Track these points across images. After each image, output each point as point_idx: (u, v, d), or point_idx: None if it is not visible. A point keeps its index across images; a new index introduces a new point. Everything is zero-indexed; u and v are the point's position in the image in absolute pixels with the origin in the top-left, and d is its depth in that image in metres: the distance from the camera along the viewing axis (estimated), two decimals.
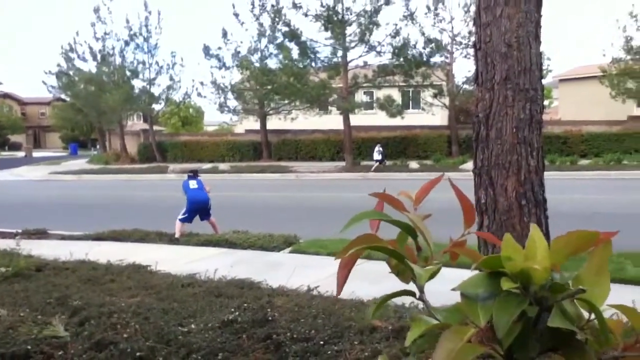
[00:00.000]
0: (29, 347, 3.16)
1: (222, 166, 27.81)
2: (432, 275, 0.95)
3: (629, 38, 27.05)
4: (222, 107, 30.97)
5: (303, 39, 24.92)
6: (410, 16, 25.23)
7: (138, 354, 3.06)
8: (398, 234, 1.10)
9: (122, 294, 4.74)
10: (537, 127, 4.00)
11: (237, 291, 4.84)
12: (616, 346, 0.89)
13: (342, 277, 1.08)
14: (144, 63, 33.06)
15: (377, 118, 29.17)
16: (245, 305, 3.97)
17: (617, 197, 14.15)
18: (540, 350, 0.90)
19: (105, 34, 32.73)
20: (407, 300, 4.07)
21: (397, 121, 27.02)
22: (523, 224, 3.82)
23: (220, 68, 29.59)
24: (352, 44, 25.04)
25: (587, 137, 27.55)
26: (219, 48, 29.28)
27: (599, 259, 0.89)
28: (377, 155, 24.61)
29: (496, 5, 4.03)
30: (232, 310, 3.82)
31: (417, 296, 0.99)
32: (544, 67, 47.16)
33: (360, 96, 32.46)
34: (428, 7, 27.21)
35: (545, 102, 52.04)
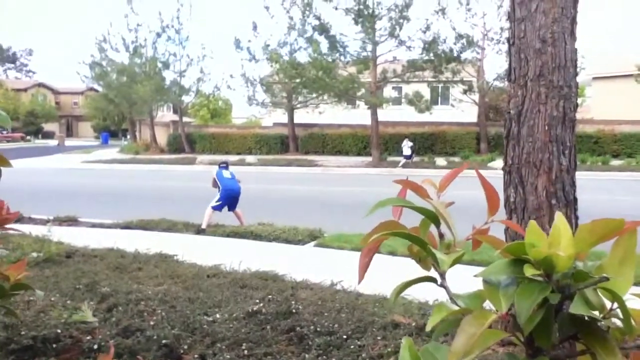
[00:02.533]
0: (59, 330, 3.23)
1: (249, 159, 27.99)
2: (455, 262, 0.96)
3: None
4: (250, 100, 31.17)
5: (332, 32, 24.87)
6: (442, 11, 24.95)
7: (164, 341, 3.11)
8: (421, 221, 1.10)
9: (149, 282, 4.82)
10: (570, 125, 3.92)
11: (261, 283, 4.87)
12: (639, 336, 0.89)
13: (364, 264, 1.08)
14: (175, 55, 33.50)
15: (405, 113, 28.99)
16: (270, 297, 4.00)
17: None
18: (561, 337, 0.90)
19: (138, 25, 33.22)
20: (430, 297, 4.04)
21: (425, 117, 26.82)
22: (552, 223, 3.75)
23: (250, 61, 29.76)
24: (382, 39, 24.89)
25: (620, 137, 26.93)
26: (249, 41, 29.56)
27: (624, 248, 0.88)
28: (406, 150, 24.43)
29: (531, 1, 3.96)
30: (257, 301, 3.85)
31: (439, 283, 1.00)
32: (578, 65, 46.31)
33: (388, 91, 32.29)
34: (460, 2, 26.87)
35: (579, 100, 50.98)
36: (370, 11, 23.89)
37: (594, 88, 40.85)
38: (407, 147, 24.47)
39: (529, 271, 0.85)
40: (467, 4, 26.86)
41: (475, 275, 0.93)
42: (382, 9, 24.10)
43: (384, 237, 1.02)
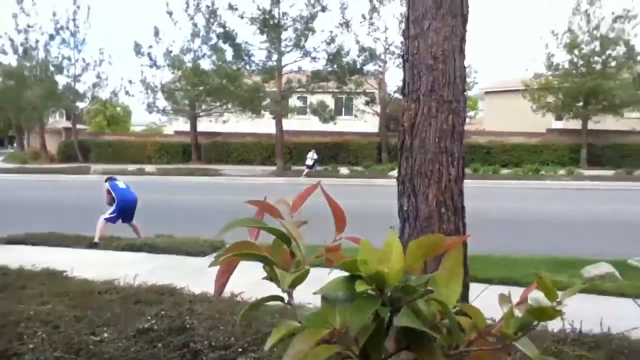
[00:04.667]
0: None
1: (149, 168, 27.05)
2: (297, 280, 0.98)
3: (550, 55, 28.59)
4: (150, 107, 30.17)
5: (238, 41, 24.73)
6: (346, 24, 25.60)
7: None
8: (273, 241, 1.12)
9: (33, 301, 4.48)
10: (459, 137, 4.12)
11: (156, 298, 4.69)
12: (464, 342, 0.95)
13: (220, 284, 1.13)
14: (69, 59, 31.74)
15: (310, 123, 29.35)
16: (163, 312, 3.85)
17: (537, 206, 14.86)
18: (395, 349, 0.94)
19: (29, 26, 31.13)
20: None
21: (329, 127, 27.29)
22: (442, 231, 3.93)
23: (151, 67, 28.86)
24: (288, 49, 25.09)
25: (509, 148, 28.88)
26: (150, 46, 28.54)
27: (451, 261, 0.96)
28: (308, 161, 24.71)
29: (424, 19, 4.12)
30: (149, 318, 3.69)
31: (286, 301, 1.01)
32: (470, 79, 49.06)
33: (294, 101, 32.55)
34: (363, 16, 27.70)
35: (471, 113, 54.15)
36: (276, 21, 24.00)
37: (486, 102, 43.55)
38: (310, 158, 24.76)
39: (359, 287, 0.88)
40: (370, 19, 27.73)
41: (314, 293, 0.96)
42: (287, 19, 24.31)
43: (237, 259, 1.04)
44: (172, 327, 3.46)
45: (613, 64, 27.67)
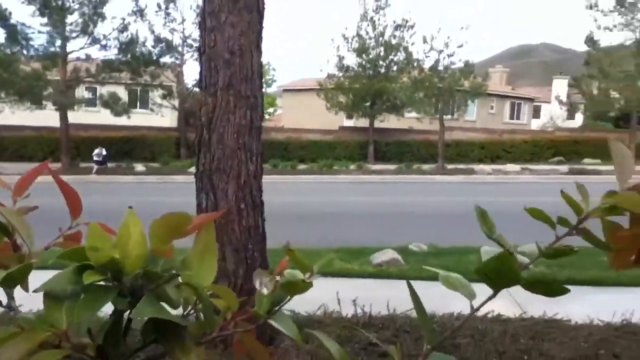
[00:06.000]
0: None
1: None
2: (15, 277, 0.81)
3: (341, 57, 30.58)
4: None
5: (12, 21, 21.95)
6: (140, 12, 24.32)
7: None
8: None
9: None
10: (257, 133, 4.16)
11: None
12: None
13: None
14: None
15: (101, 116, 27.31)
16: None
17: (330, 198, 15.79)
18: (145, 343, 0.86)
19: None
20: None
21: (123, 121, 25.71)
22: (242, 226, 3.93)
23: None
24: (74, 34, 22.98)
25: (306, 144, 30.29)
26: None
27: (204, 242, 0.89)
28: (96, 157, 22.97)
29: (220, 12, 4.06)
30: None
31: (5, 304, 0.87)
32: (269, 77, 50.26)
33: (81, 92, 29.97)
34: (159, 6, 26.59)
35: (270, 110, 55.70)
36: (60, 3, 21.84)
37: (284, 99, 45.13)
38: (97, 155, 23.00)
39: (88, 277, 0.77)
40: (167, 9, 26.74)
41: (34, 291, 0.81)
42: (73, 2, 22.27)
43: None
44: None
45: (395, 68, 30.64)
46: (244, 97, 4.05)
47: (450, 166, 26.21)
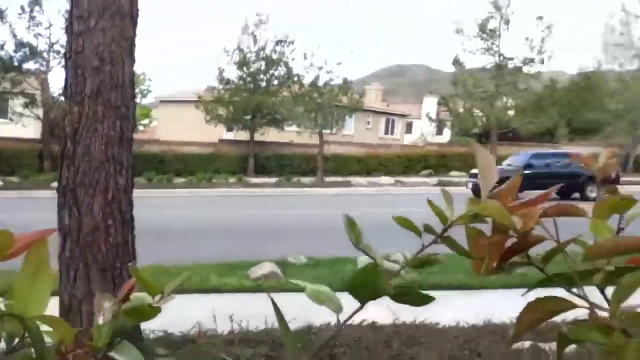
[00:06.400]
0: None
1: None
2: None
3: (222, 70, 30.28)
4: None
5: None
6: (0, 14, 22.41)
7: None
8: None
9: None
10: (128, 145, 3.95)
11: None
12: None
13: None
14: None
15: None
16: None
17: (209, 212, 15.44)
18: None
19: None
20: None
21: None
22: (109, 244, 3.70)
23: None
24: None
25: (183, 157, 29.51)
26: None
27: (34, 262, 0.79)
28: None
29: (90, 16, 3.84)
30: None
31: None
32: (144, 87, 48.42)
33: None
34: (22, 8, 24.65)
35: (146, 122, 53.58)
36: None
37: (161, 111, 43.66)
38: None
39: None
40: (31, 12, 24.87)
41: None
42: None
43: None
44: None
45: (276, 82, 30.92)
46: (114, 106, 3.84)
47: (329, 179, 26.87)
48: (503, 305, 4.98)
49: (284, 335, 0.95)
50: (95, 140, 3.80)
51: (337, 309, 0.93)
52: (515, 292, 5.89)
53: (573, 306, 0.81)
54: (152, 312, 0.82)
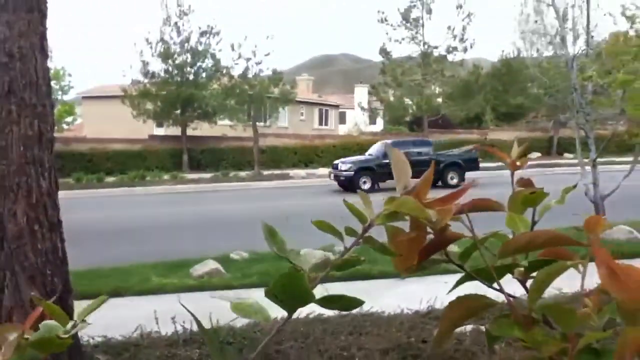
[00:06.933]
0: None
1: None
2: None
3: (145, 62, 29.30)
4: None
5: None
6: None
7: None
8: None
9: None
10: (48, 145, 3.71)
11: None
12: None
13: None
14: None
15: None
16: None
17: (144, 211, 14.97)
18: None
19: None
20: None
21: None
22: (36, 250, 3.47)
23: None
24: None
25: (112, 155, 28.48)
26: None
27: None
28: None
29: None
30: None
31: None
32: (65, 83, 46.23)
33: None
34: None
35: (69, 119, 51.29)
36: None
37: (85, 107, 41.86)
38: None
39: None
40: None
41: None
42: None
43: None
44: None
45: (204, 75, 30.28)
46: (29, 105, 3.59)
47: (266, 172, 26.65)
48: (444, 290, 5.08)
49: (205, 335, 0.93)
50: (12, 142, 3.55)
51: (266, 319, 0.91)
52: (452, 276, 6.03)
53: (493, 304, 0.82)
54: (61, 343, 0.76)
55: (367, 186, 18.33)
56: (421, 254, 0.85)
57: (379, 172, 18.37)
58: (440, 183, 18.68)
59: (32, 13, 3.66)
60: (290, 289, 0.79)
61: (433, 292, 4.88)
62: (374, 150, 20.42)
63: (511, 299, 0.81)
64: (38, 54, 3.68)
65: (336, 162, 20.29)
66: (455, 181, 19.39)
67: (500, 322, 0.80)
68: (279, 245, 0.86)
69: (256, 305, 0.88)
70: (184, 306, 0.87)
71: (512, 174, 1.07)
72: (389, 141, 21.97)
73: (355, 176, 18.58)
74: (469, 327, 3.95)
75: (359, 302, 0.86)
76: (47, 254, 3.55)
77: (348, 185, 18.55)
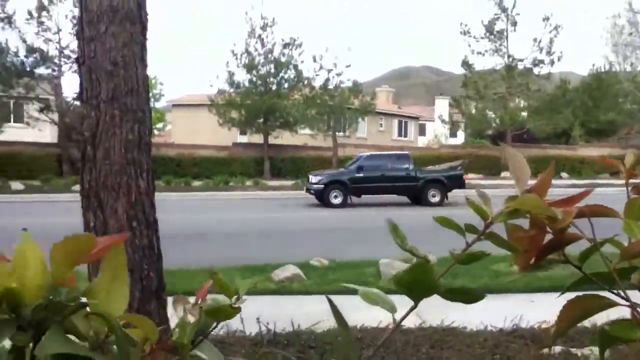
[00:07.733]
0: None
1: None
2: None
3: (231, 73, 30.32)
4: None
5: None
6: (8, 19, 22.57)
7: None
8: None
9: None
10: (146, 148, 3.92)
11: None
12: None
13: None
14: None
15: None
16: None
17: (228, 215, 15.42)
18: None
19: None
20: None
21: None
22: (135, 246, 3.68)
23: None
24: None
25: (199, 160, 29.61)
26: None
27: (112, 265, 0.79)
28: None
29: (100, 22, 3.81)
30: None
31: None
32: (157, 91, 48.62)
33: None
34: (30, 13, 24.82)
35: (160, 125, 53.89)
36: None
37: (174, 114, 43.88)
38: None
39: None
40: (39, 17, 25.07)
41: None
42: None
43: None
44: None
45: (286, 85, 30.92)
46: (130, 110, 3.81)
47: None
48: (530, 309, 4.88)
49: (344, 335, 0.97)
50: (114, 144, 3.78)
51: (391, 308, 0.94)
52: (539, 296, 5.80)
53: (614, 304, 0.82)
54: (233, 312, 0.88)
55: (338, 200, 17.65)
56: (539, 253, 0.86)
57: (353, 187, 17.77)
58: (421, 202, 17.81)
59: (135, 25, 3.89)
60: (420, 279, 0.84)
61: (519, 310, 4.71)
62: (350, 164, 19.78)
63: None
64: (139, 63, 3.91)
65: (311, 174, 19.43)
66: (437, 199, 18.02)
67: (620, 324, 0.79)
68: (402, 240, 0.91)
69: (381, 294, 0.93)
70: (330, 301, 0.95)
71: (627, 183, 1.06)
72: (364, 154, 20.98)
73: (326, 189, 17.81)
74: (557, 349, 3.78)
75: (480, 296, 0.89)
76: (144, 250, 3.74)
77: (319, 198, 17.95)
